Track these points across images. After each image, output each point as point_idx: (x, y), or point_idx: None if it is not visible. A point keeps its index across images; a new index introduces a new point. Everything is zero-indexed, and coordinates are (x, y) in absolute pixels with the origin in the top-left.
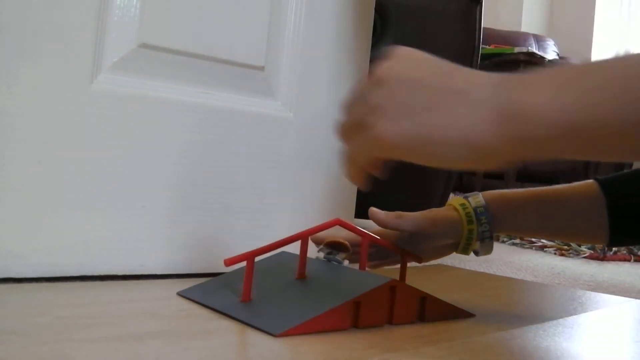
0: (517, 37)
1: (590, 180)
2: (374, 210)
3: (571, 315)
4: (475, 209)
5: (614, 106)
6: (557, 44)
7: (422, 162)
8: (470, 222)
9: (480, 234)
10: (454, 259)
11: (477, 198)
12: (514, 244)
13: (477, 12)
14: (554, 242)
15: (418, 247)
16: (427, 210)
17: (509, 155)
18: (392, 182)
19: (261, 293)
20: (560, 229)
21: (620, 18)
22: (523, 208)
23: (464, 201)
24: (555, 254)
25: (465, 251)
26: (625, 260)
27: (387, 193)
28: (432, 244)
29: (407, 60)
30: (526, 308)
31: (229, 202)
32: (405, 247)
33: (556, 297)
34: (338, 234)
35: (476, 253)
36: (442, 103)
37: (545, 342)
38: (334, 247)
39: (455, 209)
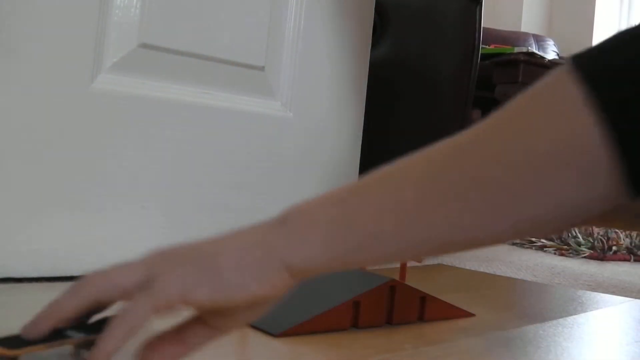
0: (517, 37)
1: None
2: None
3: (571, 315)
4: None
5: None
6: (557, 44)
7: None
8: None
9: None
10: (454, 259)
11: None
12: (514, 244)
13: (477, 12)
14: (554, 242)
15: None
16: None
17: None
18: None
19: None
20: None
21: (620, 18)
22: None
23: None
24: (555, 253)
25: None
26: (625, 260)
27: None
28: None
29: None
30: (526, 308)
31: (228, 202)
32: None
33: (556, 297)
34: None
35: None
36: (214, 265)
37: (545, 342)
38: None
39: None
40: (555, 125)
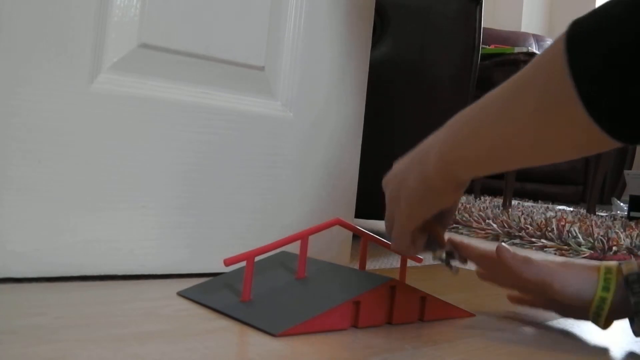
0: (517, 37)
1: None
2: (502, 247)
3: None
4: (626, 277)
5: (466, 146)
6: None
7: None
8: (605, 289)
9: (633, 305)
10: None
11: (631, 265)
12: (513, 244)
13: (477, 12)
14: (554, 242)
15: (540, 297)
16: (563, 261)
17: (441, 182)
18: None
19: (261, 293)
20: None
21: None
22: None
23: (612, 266)
24: (555, 253)
25: (597, 320)
26: (625, 260)
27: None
28: (556, 297)
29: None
30: (526, 308)
31: (229, 202)
32: (534, 293)
33: None
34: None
35: (633, 328)
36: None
37: (545, 341)
38: (449, 253)
39: (598, 270)
40: (545, 85)
